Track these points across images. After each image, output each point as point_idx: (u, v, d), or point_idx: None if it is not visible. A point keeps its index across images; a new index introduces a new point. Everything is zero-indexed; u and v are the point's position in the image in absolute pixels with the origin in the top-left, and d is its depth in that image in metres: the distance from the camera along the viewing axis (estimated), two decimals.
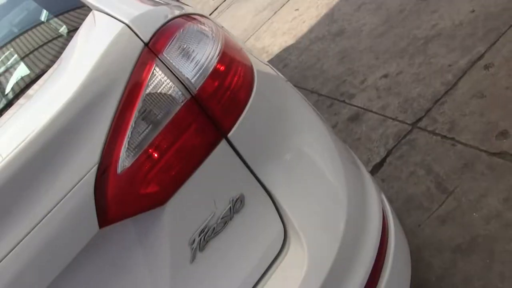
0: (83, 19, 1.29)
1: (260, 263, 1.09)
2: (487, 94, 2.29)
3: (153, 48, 1.03)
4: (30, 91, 1.12)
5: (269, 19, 4.78)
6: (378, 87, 2.87)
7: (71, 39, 1.23)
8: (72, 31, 1.29)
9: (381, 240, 1.16)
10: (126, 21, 1.06)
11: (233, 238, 1.08)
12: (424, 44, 2.88)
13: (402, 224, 1.48)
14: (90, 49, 1.07)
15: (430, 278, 1.86)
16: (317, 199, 1.13)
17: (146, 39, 1.03)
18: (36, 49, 1.33)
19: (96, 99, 0.96)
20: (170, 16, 1.12)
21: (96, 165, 0.93)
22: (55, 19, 1.42)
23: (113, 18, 1.13)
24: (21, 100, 1.11)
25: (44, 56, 1.27)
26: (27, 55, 1.33)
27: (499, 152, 2.04)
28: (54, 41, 1.30)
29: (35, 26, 1.45)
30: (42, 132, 0.92)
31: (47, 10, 1.48)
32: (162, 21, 1.08)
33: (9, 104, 1.16)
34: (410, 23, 3.14)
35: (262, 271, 1.09)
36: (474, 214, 1.92)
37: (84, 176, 0.93)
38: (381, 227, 1.18)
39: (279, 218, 1.10)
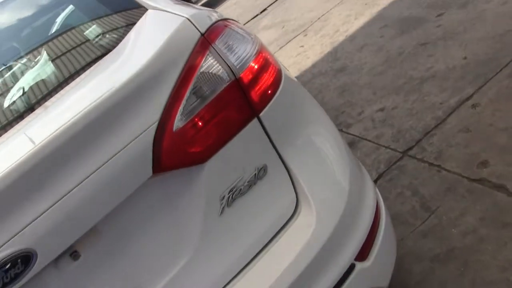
0: (141, 15, 1.53)
1: (276, 222, 1.31)
2: (472, 129, 2.55)
3: (208, 38, 1.27)
4: (104, 62, 1.36)
5: (274, 53, 5.08)
6: (374, 118, 3.13)
7: (131, 27, 1.47)
8: (131, 23, 1.53)
9: (375, 215, 1.39)
10: (187, 16, 1.31)
11: (255, 199, 1.30)
12: (419, 83, 3.17)
13: None
14: (156, 35, 1.31)
15: (410, 283, 2.07)
16: (325, 173, 1.36)
17: (202, 31, 1.28)
18: (106, 33, 1.57)
19: (161, 72, 1.20)
20: (218, 17, 1.37)
21: (157, 122, 1.16)
22: (116, 14, 1.67)
23: (173, 14, 1.37)
24: (99, 67, 1.35)
25: (110, 38, 1.51)
26: (103, 34, 1.57)
27: (479, 179, 2.28)
28: (119, 29, 1.55)
29: (100, 18, 1.70)
30: (118, 91, 1.15)
31: (108, 7, 1.73)
32: (214, 19, 1.33)
33: (85, 69, 1.39)
34: (407, 65, 3.43)
35: (278, 229, 1.31)
36: (453, 230, 2.14)
37: (147, 129, 1.15)
38: (375, 205, 1.41)
39: (293, 187, 1.32)
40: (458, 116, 2.71)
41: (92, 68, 1.37)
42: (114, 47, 1.42)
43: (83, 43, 1.61)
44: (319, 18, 5.19)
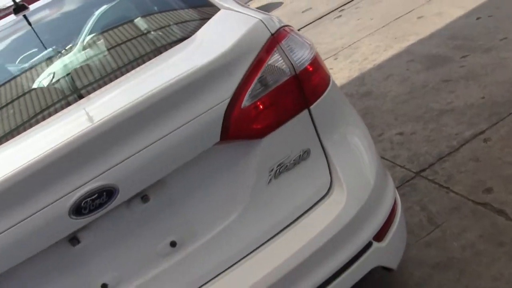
0: (213, 12, 1.83)
1: (311, 197, 1.58)
2: (482, 160, 2.81)
3: (276, 38, 1.56)
4: (185, 45, 1.65)
5: None
6: (393, 141, 3.39)
7: (206, 21, 1.76)
8: (205, 18, 1.83)
9: (393, 205, 1.66)
10: (260, 18, 1.59)
11: (297, 176, 1.57)
12: (438, 115, 3.44)
13: None
14: (232, 30, 1.60)
15: (410, 284, 2.31)
16: (356, 164, 1.64)
17: (272, 32, 1.56)
18: (183, 22, 1.87)
19: (236, 60, 1.48)
20: (283, 23, 1.66)
21: (229, 98, 1.44)
22: (191, 9, 1.96)
23: (247, 15, 1.66)
24: (180, 50, 1.64)
25: (187, 28, 1.80)
26: (181, 23, 1.87)
27: (483, 203, 2.53)
28: (194, 21, 1.84)
29: (176, 10, 2.00)
30: (201, 69, 1.43)
31: (183, 2, 2.03)
32: (281, 24, 1.62)
33: (166, 50, 1.68)
34: (429, 97, 3.71)
35: (312, 203, 1.57)
36: (454, 243, 2.39)
37: (220, 103, 1.43)
38: (394, 197, 1.68)
39: (329, 171, 1.59)
40: (471, 147, 2.97)
41: (172, 50, 1.66)
42: (189, 36, 1.71)
43: (163, 27, 1.91)
44: (350, 45, 5.50)
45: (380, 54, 4.92)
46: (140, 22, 2.05)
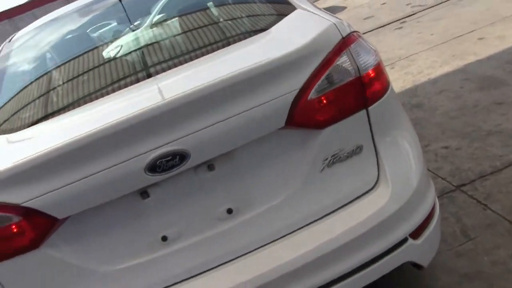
0: (289, 10, 1.98)
1: (358, 189, 1.72)
2: None
3: (346, 42, 1.70)
4: (264, 35, 1.81)
5: None
6: (438, 153, 3.48)
7: (283, 17, 1.92)
8: (282, 14, 1.98)
9: (432, 208, 1.79)
10: (334, 21, 1.74)
11: (347, 168, 1.72)
12: (486, 135, 3.50)
13: None
14: (308, 28, 1.75)
15: (436, 287, 2.43)
16: (403, 165, 1.77)
17: (343, 35, 1.71)
18: (262, 15, 2.04)
19: (308, 55, 1.63)
20: (353, 29, 1.81)
21: (299, 89, 1.60)
22: (269, 4, 2.13)
23: (322, 17, 1.82)
24: (258, 39, 1.81)
25: (265, 20, 1.97)
26: (260, 15, 2.04)
27: None
28: (272, 15, 2.01)
29: (255, 2, 2.16)
30: (277, 60, 1.59)
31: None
32: (351, 29, 1.77)
33: (244, 38, 1.86)
34: (479, 117, 3.77)
35: (358, 194, 1.72)
36: (485, 257, 2.49)
37: (290, 92, 1.59)
38: (433, 201, 1.81)
39: (377, 167, 1.73)
40: None
41: (251, 38, 1.83)
42: (266, 29, 1.87)
43: (242, 17, 2.09)
44: (407, 57, 5.56)
45: (435, 69, 4.98)
46: (219, 9, 2.23)
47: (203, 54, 1.84)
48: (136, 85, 1.77)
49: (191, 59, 1.82)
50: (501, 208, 2.76)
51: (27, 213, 1.54)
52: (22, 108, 1.96)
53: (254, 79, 1.56)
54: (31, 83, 2.14)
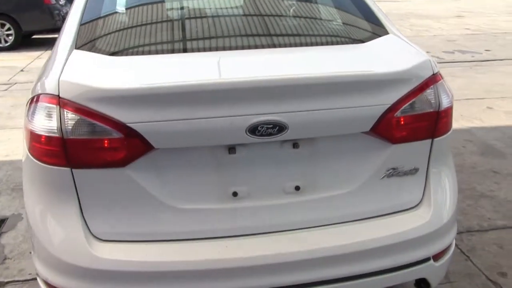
0: (383, 32, 2.19)
1: (404, 203, 1.94)
2: (505, 249, 3.15)
3: (435, 78, 1.92)
4: (362, 47, 2.03)
5: None
6: None
7: (378, 36, 2.12)
8: (377, 34, 2.19)
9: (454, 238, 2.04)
10: (429, 57, 1.96)
11: (401, 183, 1.93)
12: (478, 196, 3.78)
13: None
14: (405, 55, 1.96)
15: None
16: (445, 193, 2.00)
17: (434, 72, 1.93)
18: (359, 28, 2.24)
19: (406, 80, 1.85)
20: (438, 69, 2.03)
21: (390, 104, 1.80)
22: (365, 21, 2.33)
23: (417, 49, 2.03)
24: (358, 49, 2.02)
25: (361, 33, 2.18)
26: (357, 27, 2.25)
27: (494, 281, 2.88)
28: (365, 31, 2.21)
29: (353, 14, 2.36)
30: (382, 74, 1.80)
31: (361, 12, 2.40)
32: (438, 68, 1.99)
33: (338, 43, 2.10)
34: (475, 178, 4.05)
35: (403, 208, 1.93)
36: None
37: (383, 104, 1.79)
38: (455, 232, 2.06)
39: (424, 190, 1.96)
40: (499, 234, 3.32)
41: (352, 45, 2.04)
42: (364, 41, 2.09)
43: (341, 22, 2.29)
44: None
45: None
46: (322, 9, 2.43)
47: (312, 44, 2.04)
48: (257, 50, 1.97)
49: (305, 45, 2.06)
50: (481, 263, 3.03)
51: (128, 132, 1.69)
52: (135, 35, 2.10)
53: (359, 84, 1.77)
54: (143, 15, 2.29)
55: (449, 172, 2.08)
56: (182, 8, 2.43)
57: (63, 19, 11.33)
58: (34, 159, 1.79)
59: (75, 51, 1.97)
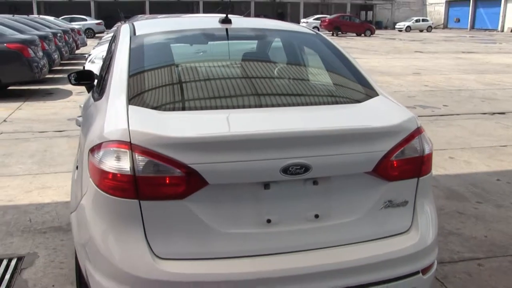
0: (373, 94, 2.75)
1: (396, 229, 2.43)
2: (473, 276, 3.67)
3: (419, 130, 2.47)
4: (361, 106, 2.58)
5: None
6: None
7: (369, 98, 2.68)
8: (368, 96, 2.74)
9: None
10: (413, 115, 2.52)
11: (395, 212, 2.43)
12: (447, 233, 4.32)
13: None
14: (393, 113, 2.52)
15: None
16: (428, 221, 2.51)
17: (418, 125, 2.48)
18: (353, 90, 2.81)
19: (397, 132, 2.38)
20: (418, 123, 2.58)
21: (387, 151, 2.33)
22: (357, 84, 2.89)
23: (403, 108, 2.59)
24: (357, 108, 2.59)
25: (354, 94, 2.74)
26: (352, 89, 2.82)
27: None
28: (361, 93, 2.76)
29: (346, 78, 2.93)
30: (379, 128, 2.36)
31: (353, 75, 2.97)
32: (419, 123, 2.54)
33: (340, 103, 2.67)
34: (443, 219, 4.60)
35: (397, 232, 2.43)
36: None
37: (382, 150, 2.32)
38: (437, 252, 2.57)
39: (412, 218, 2.47)
40: (467, 265, 3.84)
41: (352, 105, 2.61)
42: (360, 101, 2.63)
43: (343, 86, 2.86)
44: None
45: None
46: (325, 73, 3.00)
47: (324, 103, 2.59)
48: (284, 107, 2.53)
49: (318, 104, 2.64)
50: None
51: (188, 171, 2.15)
52: (182, 92, 2.62)
53: (364, 135, 2.32)
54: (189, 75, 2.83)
55: (431, 204, 2.61)
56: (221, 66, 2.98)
57: (41, 71, 11.77)
58: (104, 193, 2.21)
59: (131, 107, 2.42)
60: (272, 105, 2.57)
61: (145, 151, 2.15)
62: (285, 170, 2.20)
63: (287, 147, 2.20)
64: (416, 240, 2.44)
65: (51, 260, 3.95)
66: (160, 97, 2.60)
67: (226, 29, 3.25)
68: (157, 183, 2.16)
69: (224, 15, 3.33)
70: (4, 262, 3.91)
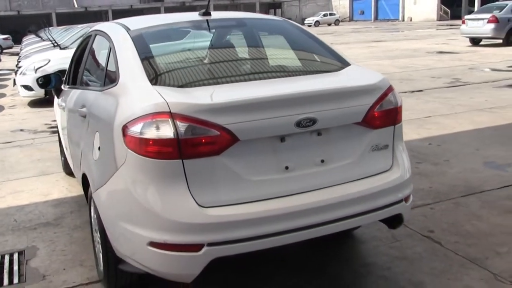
0: (347, 64, 3.35)
1: (382, 167, 3.02)
2: (428, 217, 4.38)
3: (391, 88, 3.09)
4: (343, 73, 3.18)
5: None
6: None
7: (346, 67, 3.28)
8: (345, 64, 3.34)
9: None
10: (384, 76, 3.14)
11: (379, 155, 3.01)
12: None
13: None
14: (370, 75, 3.13)
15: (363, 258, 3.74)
16: (405, 159, 3.13)
17: (389, 84, 3.10)
18: (331, 61, 3.39)
19: (377, 89, 2.99)
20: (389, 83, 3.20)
21: (371, 104, 2.92)
22: (332, 58, 3.48)
23: (377, 72, 3.20)
24: (341, 74, 3.18)
25: (334, 64, 3.32)
26: (329, 62, 3.40)
27: (426, 236, 4.07)
28: (338, 63, 3.35)
29: (325, 56, 3.51)
30: (363, 86, 2.96)
31: (319, 52, 3.56)
32: (389, 82, 3.17)
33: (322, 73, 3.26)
34: None
35: (381, 171, 3.02)
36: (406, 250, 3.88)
37: (367, 104, 2.91)
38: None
39: (392, 158, 3.07)
40: (421, 210, 4.55)
41: (337, 72, 3.20)
42: (341, 69, 3.23)
43: (321, 61, 3.43)
44: None
45: None
46: (306, 51, 3.59)
47: (311, 73, 3.22)
48: (283, 78, 3.08)
49: (308, 74, 3.25)
50: (414, 227, 4.21)
51: (223, 131, 2.61)
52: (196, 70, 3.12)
53: (354, 92, 2.89)
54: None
55: (404, 147, 3.24)
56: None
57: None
58: (149, 159, 2.63)
59: (156, 86, 2.85)
60: (275, 77, 3.09)
61: (184, 118, 2.58)
62: (298, 124, 2.72)
63: (299, 104, 2.73)
64: (398, 174, 3.05)
65: (52, 249, 4.21)
66: (178, 77, 3.08)
67: (207, 20, 3.72)
68: (197, 143, 2.61)
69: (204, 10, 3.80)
70: (7, 258, 4.11)
